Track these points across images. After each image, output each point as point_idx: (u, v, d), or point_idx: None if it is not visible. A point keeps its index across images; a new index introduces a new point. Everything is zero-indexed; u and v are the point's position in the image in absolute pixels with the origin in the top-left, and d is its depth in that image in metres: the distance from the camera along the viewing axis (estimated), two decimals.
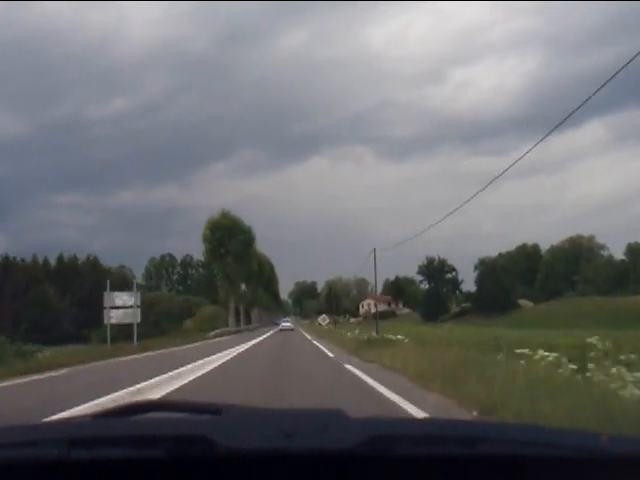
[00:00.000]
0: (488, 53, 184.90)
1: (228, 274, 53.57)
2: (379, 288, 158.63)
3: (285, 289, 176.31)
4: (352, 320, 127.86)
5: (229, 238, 53.57)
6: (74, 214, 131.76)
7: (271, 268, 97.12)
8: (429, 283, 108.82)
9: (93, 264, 48.99)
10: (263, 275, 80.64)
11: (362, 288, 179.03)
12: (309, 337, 34.14)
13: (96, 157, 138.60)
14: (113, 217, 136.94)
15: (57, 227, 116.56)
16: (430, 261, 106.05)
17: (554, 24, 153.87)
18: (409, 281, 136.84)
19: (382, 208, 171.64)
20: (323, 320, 54.22)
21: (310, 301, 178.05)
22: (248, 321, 76.28)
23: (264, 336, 38.00)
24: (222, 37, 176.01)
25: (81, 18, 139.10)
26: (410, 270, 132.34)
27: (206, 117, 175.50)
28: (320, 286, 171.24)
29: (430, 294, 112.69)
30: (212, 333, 39.60)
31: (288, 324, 72.87)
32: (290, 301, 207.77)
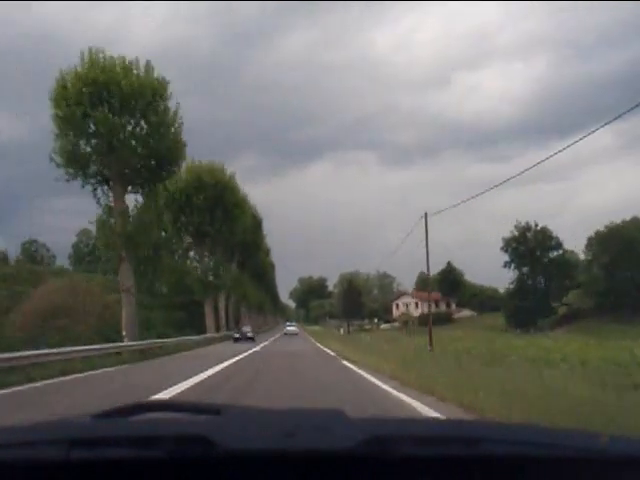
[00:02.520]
0: (495, 58, 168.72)
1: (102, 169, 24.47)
2: (409, 283, 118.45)
3: (284, 291, 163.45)
4: (384, 326, 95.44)
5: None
6: (72, 217, 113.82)
7: (257, 225, 42.43)
8: (517, 268, 52.27)
9: None
10: (233, 221, 45.85)
11: (385, 285, 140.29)
12: None
13: None
14: None
15: (55, 231, 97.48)
16: (522, 232, 51.42)
17: (563, 28, 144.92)
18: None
19: (385, 212, 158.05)
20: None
21: (319, 302, 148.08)
22: (196, 326, 43.23)
23: None
24: (226, 39, 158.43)
25: (83, 19, 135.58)
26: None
27: (208, 121, 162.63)
28: (331, 283, 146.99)
29: (523, 285, 53.41)
30: None
31: (293, 328, 65.42)
32: (292, 303, 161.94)
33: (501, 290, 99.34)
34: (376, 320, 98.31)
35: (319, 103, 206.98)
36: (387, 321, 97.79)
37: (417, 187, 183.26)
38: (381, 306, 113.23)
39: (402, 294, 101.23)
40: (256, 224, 57.37)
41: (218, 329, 47.42)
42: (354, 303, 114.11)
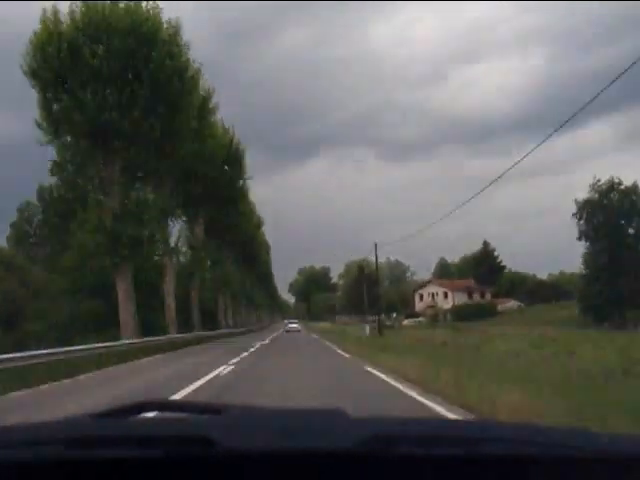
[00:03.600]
0: (492, 53, 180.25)
1: None
2: (424, 273, 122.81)
3: (282, 284, 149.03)
4: (407, 322, 72.27)
5: None
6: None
7: (234, 159, 43.02)
8: (587, 240, 19.90)
9: None
10: (176, 110, 24.39)
11: (397, 276, 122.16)
12: None
13: None
14: None
15: None
16: (604, 191, 20.62)
17: (560, 22, 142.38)
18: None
19: (383, 209, 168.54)
20: None
21: (323, 295, 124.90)
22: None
23: None
24: (223, 35, 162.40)
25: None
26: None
27: None
28: (335, 274, 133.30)
29: (604, 266, 20.78)
30: None
31: (294, 325, 63.07)
32: (292, 298, 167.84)
33: (542, 277, 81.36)
34: (394, 314, 76.52)
35: (316, 99, 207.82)
36: (409, 315, 76.40)
37: (415, 182, 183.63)
38: (398, 297, 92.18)
39: (427, 282, 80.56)
40: (234, 158, 36.70)
41: (164, 329, 26.94)
42: (368, 295, 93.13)
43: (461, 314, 68.27)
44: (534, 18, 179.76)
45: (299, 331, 60.09)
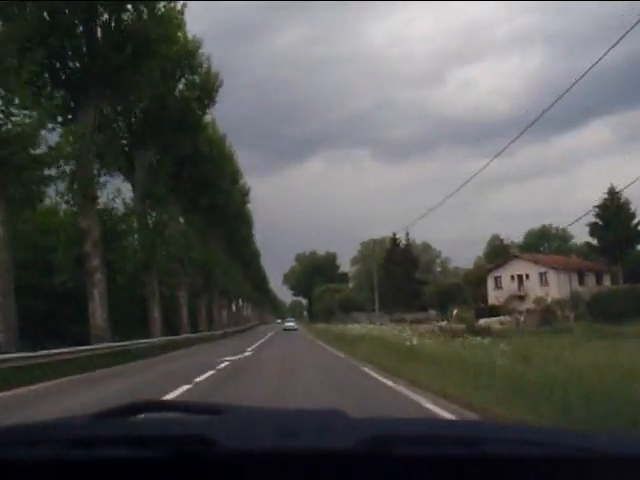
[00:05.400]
0: (490, 52, 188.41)
1: None
2: (459, 260, 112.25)
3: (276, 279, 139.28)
4: (484, 322, 39.43)
5: None
6: None
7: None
8: None
9: None
10: None
11: (427, 262, 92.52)
12: None
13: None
14: None
15: None
16: None
17: (558, 22, 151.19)
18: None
19: (379, 211, 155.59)
20: None
21: (332, 286, 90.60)
22: None
23: None
24: (218, 34, 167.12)
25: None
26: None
27: None
28: (344, 260, 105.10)
29: None
30: None
31: (291, 324, 60.93)
32: (289, 294, 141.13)
33: None
34: (455, 311, 51.47)
35: (312, 100, 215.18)
36: (481, 312, 46.97)
37: (412, 182, 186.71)
38: (450, 286, 60.72)
39: (511, 258, 48.68)
40: None
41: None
42: (405, 280, 60.42)
43: (600, 309, 37.15)
44: (533, 19, 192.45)
45: (296, 329, 58.13)
